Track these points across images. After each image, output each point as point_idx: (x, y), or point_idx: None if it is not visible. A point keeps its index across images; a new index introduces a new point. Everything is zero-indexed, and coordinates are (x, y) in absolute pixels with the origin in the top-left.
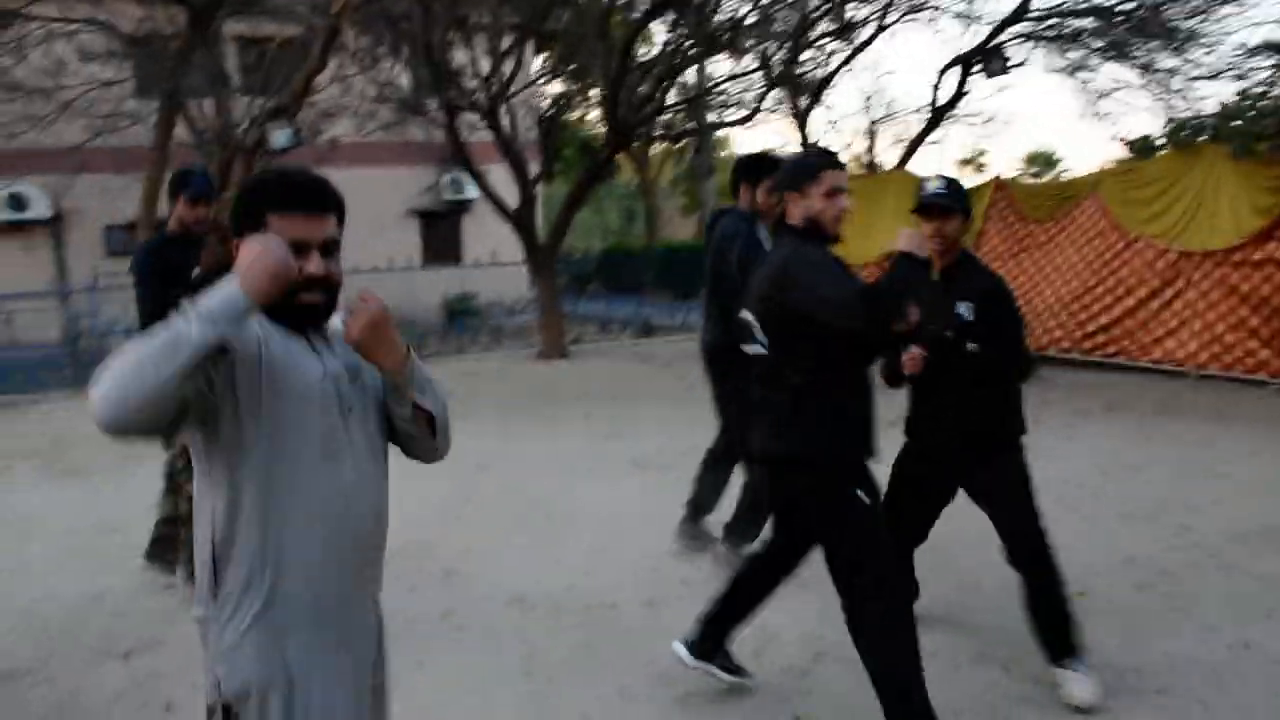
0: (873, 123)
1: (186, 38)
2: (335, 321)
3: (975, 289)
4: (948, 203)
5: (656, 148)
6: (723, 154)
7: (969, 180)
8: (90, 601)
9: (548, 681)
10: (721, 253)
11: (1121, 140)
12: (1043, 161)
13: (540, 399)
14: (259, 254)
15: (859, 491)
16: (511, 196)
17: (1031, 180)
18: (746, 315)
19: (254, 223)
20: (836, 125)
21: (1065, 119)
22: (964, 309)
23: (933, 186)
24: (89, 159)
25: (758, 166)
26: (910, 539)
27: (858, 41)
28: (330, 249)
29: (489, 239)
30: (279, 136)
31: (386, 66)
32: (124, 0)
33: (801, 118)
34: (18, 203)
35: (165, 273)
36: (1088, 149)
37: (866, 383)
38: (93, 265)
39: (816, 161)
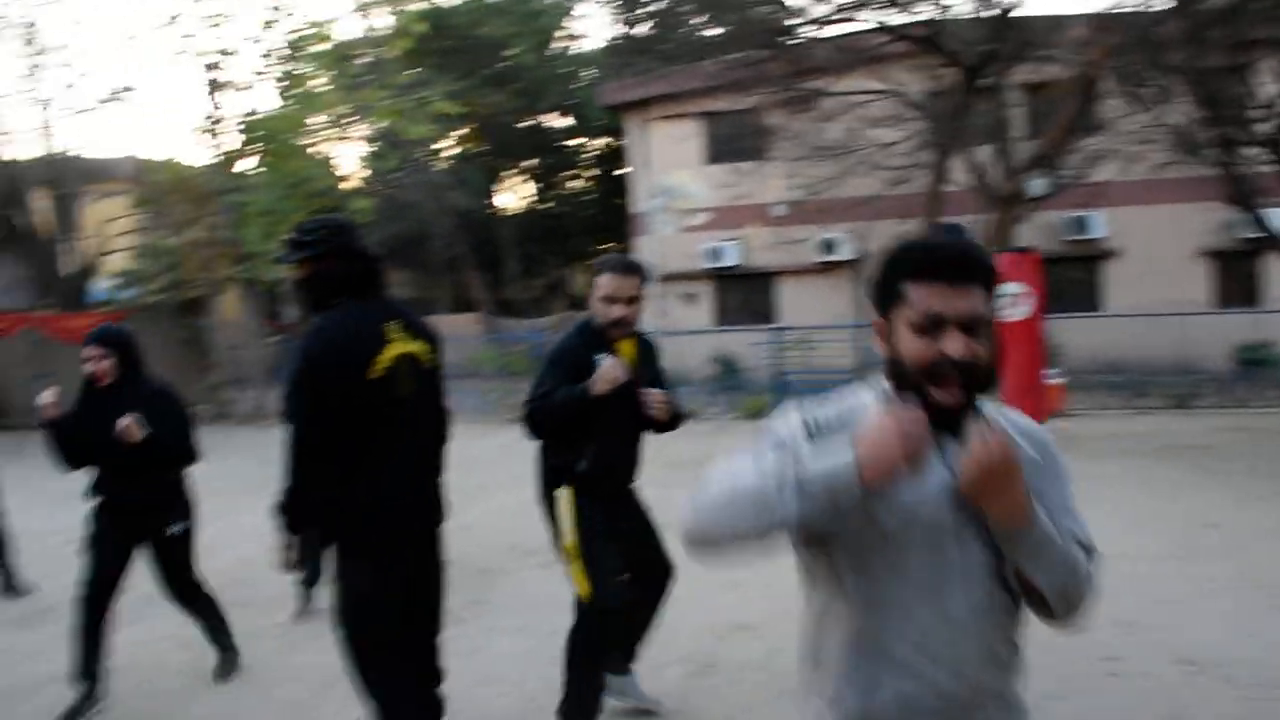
0: None
1: (963, 93)
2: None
3: None
4: None
5: None
6: None
7: None
8: None
9: None
10: None
11: None
12: None
13: None
14: (889, 429)
15: None
16: None
17: None
18: None
19: (891, 293)
20: None
21: None
22: None
23: None
24: (883, 207)
25: None
26: None
27: None
28: (975, 327)
29: None
30: (1035, 185)
31: (1154, 106)
32: (905, 69)
33: None
34: (828, 247)
35: None
36: None
37: None
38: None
39: None
